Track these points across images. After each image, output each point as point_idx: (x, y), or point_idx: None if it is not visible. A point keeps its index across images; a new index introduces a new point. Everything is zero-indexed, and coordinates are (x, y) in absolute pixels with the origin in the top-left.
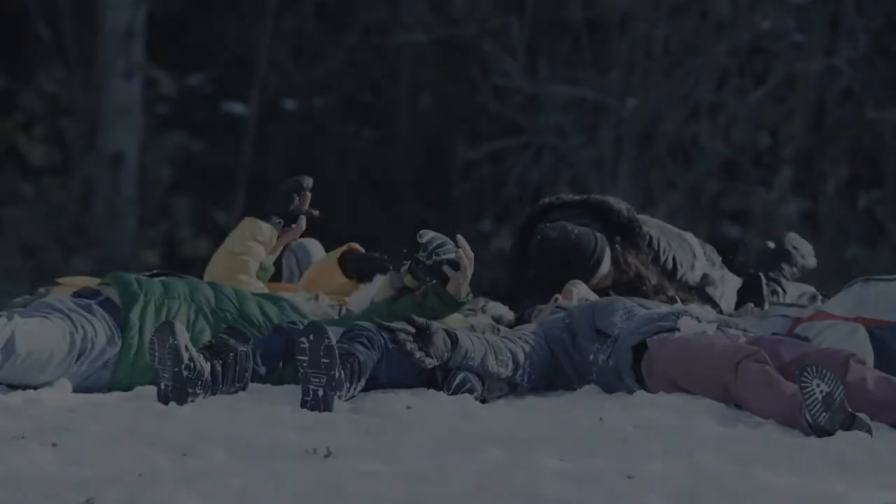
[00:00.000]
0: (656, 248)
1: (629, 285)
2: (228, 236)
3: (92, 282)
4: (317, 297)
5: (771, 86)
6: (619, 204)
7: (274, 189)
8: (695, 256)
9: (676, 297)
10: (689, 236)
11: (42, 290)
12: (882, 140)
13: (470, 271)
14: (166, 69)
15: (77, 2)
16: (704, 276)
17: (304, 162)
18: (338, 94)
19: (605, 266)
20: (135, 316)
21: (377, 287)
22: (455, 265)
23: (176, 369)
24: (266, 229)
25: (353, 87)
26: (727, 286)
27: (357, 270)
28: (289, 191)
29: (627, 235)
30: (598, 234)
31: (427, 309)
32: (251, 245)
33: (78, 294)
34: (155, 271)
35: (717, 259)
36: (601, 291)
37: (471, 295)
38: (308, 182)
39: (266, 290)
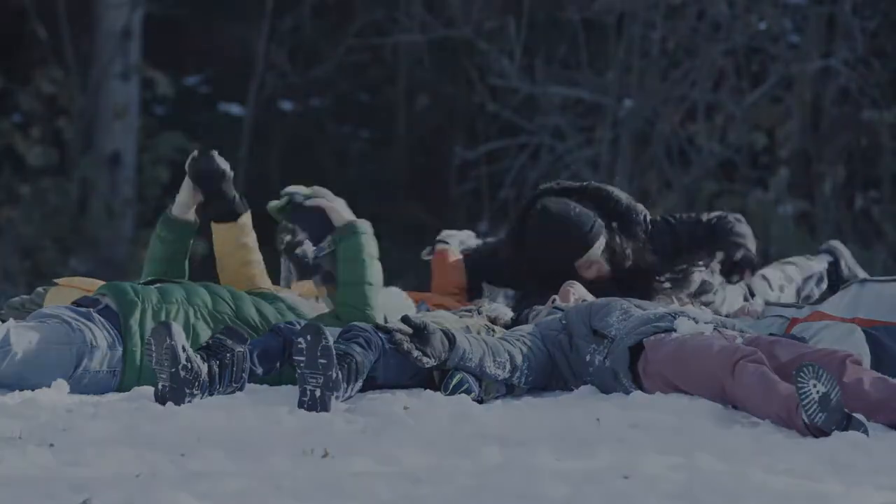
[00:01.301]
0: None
1: (624, 276)
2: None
3: (89, 282)
4: (317, 298)
5: (768, 87)
6: (619, 193)
7: (207, 178)
8: None
9: (671, 293)
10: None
11: (40, 289)
12: (879, 141)
13: (336, 200)
14: (163, 70)
15: (74, 3)
16: (703, 283)
17: (301, 162)
18: (335, 94)
19: (598, 248)
20: (134, 323)
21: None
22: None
23: (173, 370)
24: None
25: (351, 88)
26: (728, 291)
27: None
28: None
29: (624, 222)
30: (598, 219)
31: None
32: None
33: (76, 303)
34: (150, 278)
35: (717, 267)
36: (596, 284)
37: (366, 223)
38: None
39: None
